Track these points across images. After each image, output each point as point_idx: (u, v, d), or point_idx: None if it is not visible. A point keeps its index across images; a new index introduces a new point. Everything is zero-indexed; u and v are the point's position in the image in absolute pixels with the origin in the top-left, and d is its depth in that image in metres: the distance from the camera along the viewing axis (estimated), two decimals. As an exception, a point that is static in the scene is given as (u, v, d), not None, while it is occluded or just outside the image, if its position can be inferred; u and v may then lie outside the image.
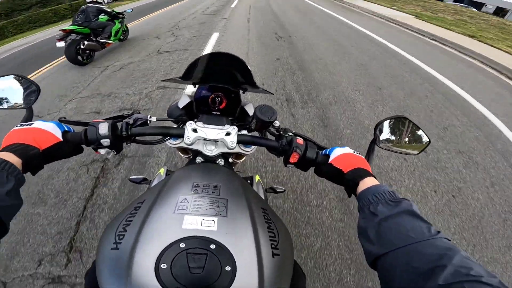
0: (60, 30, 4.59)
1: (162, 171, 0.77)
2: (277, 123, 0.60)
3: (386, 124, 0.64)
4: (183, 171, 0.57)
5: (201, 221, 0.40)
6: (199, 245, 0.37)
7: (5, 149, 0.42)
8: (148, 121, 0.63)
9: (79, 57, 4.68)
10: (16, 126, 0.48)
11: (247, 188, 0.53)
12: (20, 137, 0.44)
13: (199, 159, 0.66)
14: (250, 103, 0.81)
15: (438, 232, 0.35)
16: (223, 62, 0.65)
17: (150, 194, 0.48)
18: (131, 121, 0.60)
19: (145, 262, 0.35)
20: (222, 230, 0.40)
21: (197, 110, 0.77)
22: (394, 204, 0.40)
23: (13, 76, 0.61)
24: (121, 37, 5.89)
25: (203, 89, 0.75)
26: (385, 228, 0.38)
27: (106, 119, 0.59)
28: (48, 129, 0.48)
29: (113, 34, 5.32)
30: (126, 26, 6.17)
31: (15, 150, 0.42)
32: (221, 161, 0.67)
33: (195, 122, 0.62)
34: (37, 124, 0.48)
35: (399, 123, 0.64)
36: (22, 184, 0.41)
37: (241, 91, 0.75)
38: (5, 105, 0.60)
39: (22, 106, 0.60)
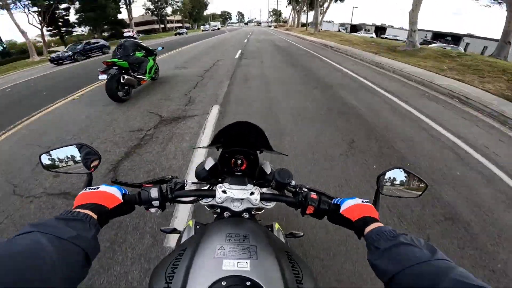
0: (103, 62, 4.15)
1: (191, 223, 0.83)
2: (293, 183, 0.72)
3: (387, 174, 0.71)
4: (217, 224, 0.67)
5: (237, 263, 0.49)
6: (237, 282, 0.45)
7: (83, 206, 0.51)
8: (185, 184, 0.74)
9: (119, 93, 4.13)
10: (85, 190, 0.57)
11: (270, 236, 0.64)
12: (92, 198, 0.54)
13: (226, 214, 0.74)
14: (267, 162, 0.91)
15: (437, 253, 0.41)
16: (242, 129, 0.78)
17: (191, 243, 0.58)
18: (172, 185, 0.69)
19: None
20: (255, 270, 0.48)
21: (222, 171, 0.86)
22: (393, 238, 0.46)
23: (76, 144, 0.68)
24: (153, 75, 5.43)
25: (226, 152, 0.86)
26: (387, 258, 0.44)
27: (153, 183, 0.72)
28: (112, 193, 0.58)
29: (147, 71, 4.91)
30: (157, 64, 5.78)
31: (92, 208, 0.51)
32: (245, 215, 0.74)
33: (223, 183, 0.73)
34: (103, 188, 0.58)
35: (397, 172, 0.72)
36: (98, 233, 0.48)
37: (258, 152, 0.87)
38: (69, 170, 0.68)
39: (84, 172, 0.67)
